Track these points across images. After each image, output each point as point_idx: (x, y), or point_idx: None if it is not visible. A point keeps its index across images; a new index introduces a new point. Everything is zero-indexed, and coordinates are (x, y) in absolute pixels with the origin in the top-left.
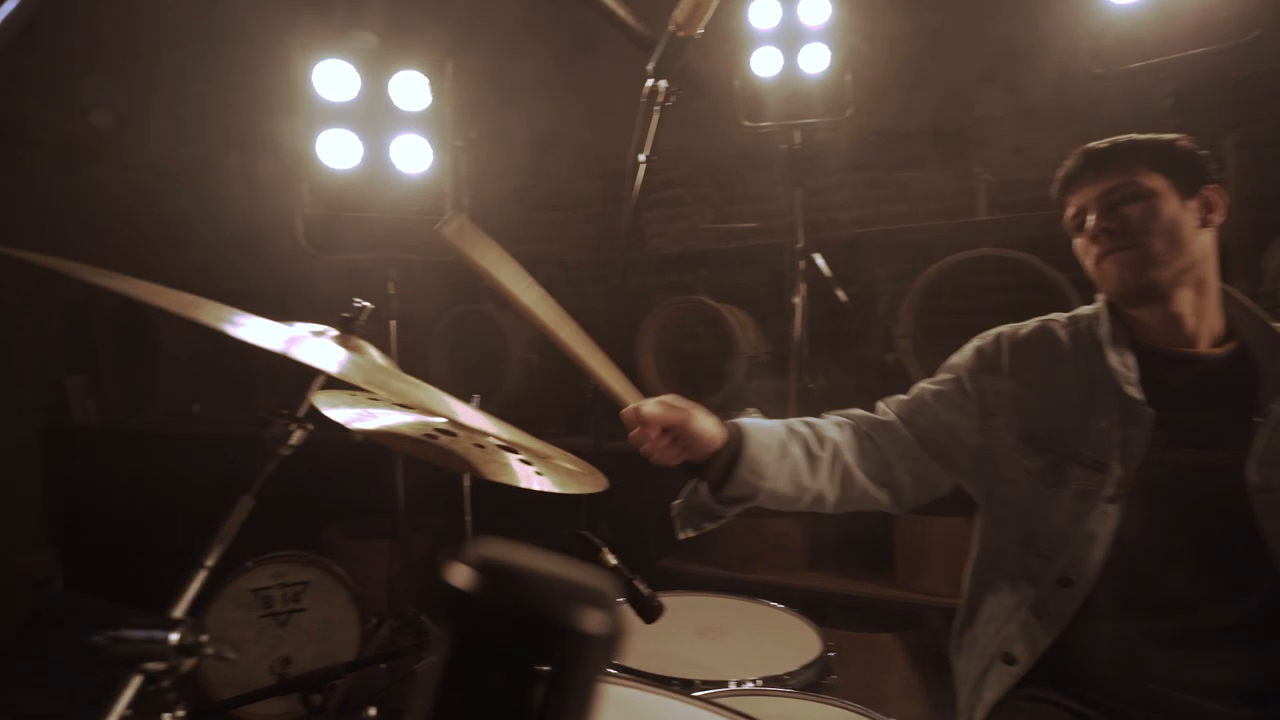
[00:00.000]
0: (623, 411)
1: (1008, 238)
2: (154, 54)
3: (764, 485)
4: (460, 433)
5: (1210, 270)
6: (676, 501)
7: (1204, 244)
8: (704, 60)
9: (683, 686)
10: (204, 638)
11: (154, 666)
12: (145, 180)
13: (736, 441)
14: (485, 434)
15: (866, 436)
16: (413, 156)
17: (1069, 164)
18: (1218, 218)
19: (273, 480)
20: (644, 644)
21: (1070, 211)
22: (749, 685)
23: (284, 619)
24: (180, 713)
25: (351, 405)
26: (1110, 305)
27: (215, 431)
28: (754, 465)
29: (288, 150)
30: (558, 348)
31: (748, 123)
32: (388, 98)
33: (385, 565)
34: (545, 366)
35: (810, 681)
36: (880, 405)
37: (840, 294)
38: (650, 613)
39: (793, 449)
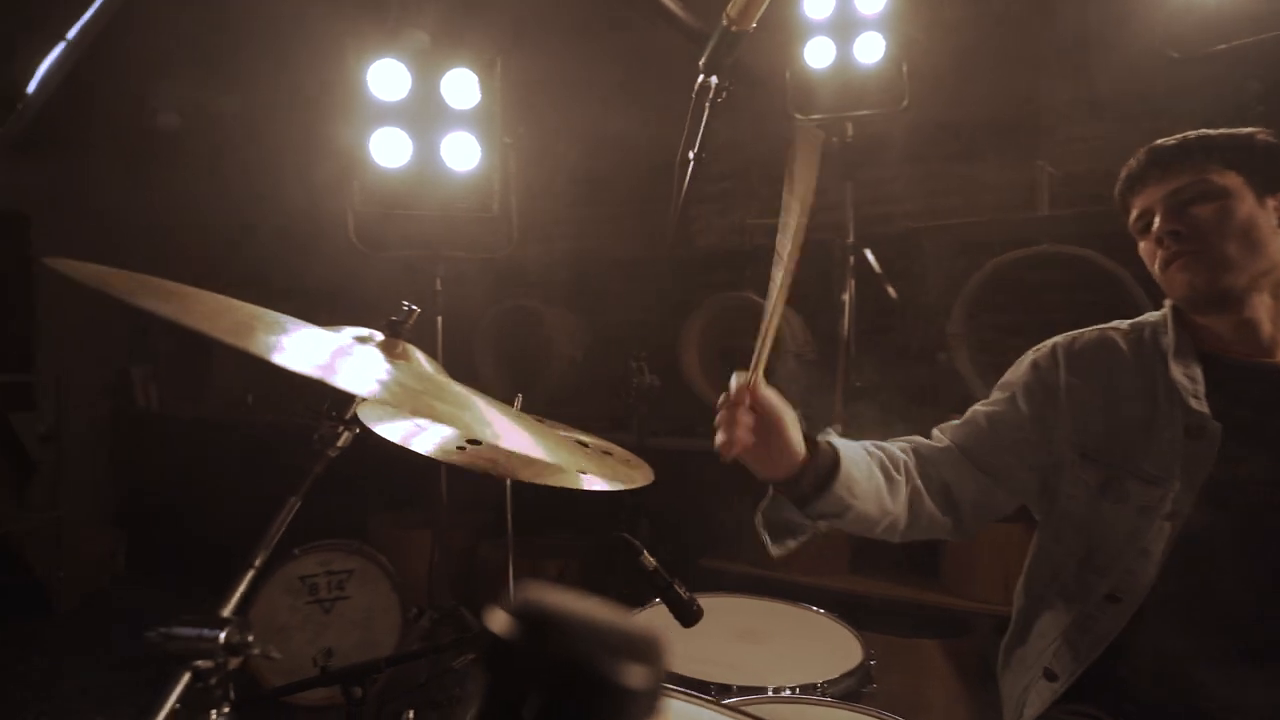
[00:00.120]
0: (738, 382)
1: (1070, 233)
2: (218, 56)
3: (855, 504)
4: (501, 457)
5: None
6: (758, 515)
7: None
8: (755, 52)
9: (720, 691)
10: (250, 637)
11: (203, 664)
12: (207, 180)
13: (831, 456)
14: (528, 457)
15: (929, 462)
16: (462, 154)
17: (1133, 163)
18: None
19: (330, 461)
20: (683, 646)
21: (1135, 214)
22: (786, 692)
23: (329, 606)
24: (226, 709)
25: (399, 416)
26: (1176, 312)
27: (267, 421)
28: (849, 482)
29: (341, 149)
30: (773, 283)
31: (799, 115)
32: (439, 96)
33: (427, 556)
34: (589, 363)
35: (851, 690)
36: (936, 432)
37: (891, 290)
38: (689, 617)
39: (875, 471)
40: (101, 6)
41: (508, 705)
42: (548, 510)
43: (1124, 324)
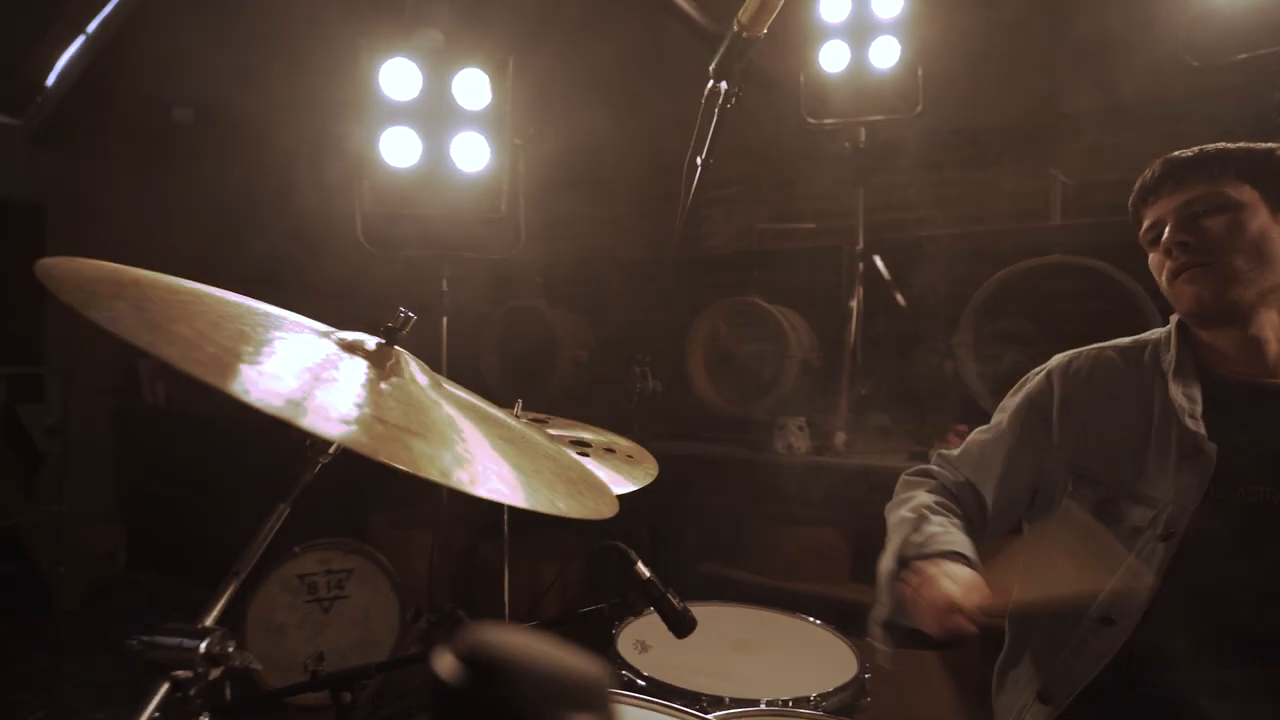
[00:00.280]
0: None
1: (1084, 243)
2: (233, 53)
3: None
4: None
5: None
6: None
7: None
8: (768, 55)
9: (712, 703)
10: (232, 648)
11: (182, 674)
12: (220, 176)
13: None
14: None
15: (957, 500)
16: (471, 154)
17: (1148, 174)
18: None
19: (323, 466)
20: (678, 656)
21: (1146, 224)
22: (765, 705)
23: (328, 605)
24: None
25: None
26: (1182, 328)
27: (275, 421)
28: None
29: (352, 149)
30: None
31: (811, 119)
32: (450, 96)
33: (427, 556)
34: (594, 364)
35: (845, 704)
36: (936, 465)
37: (899, 298)
38: (683, 627)
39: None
40: (120, 1)
41: None
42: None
43: (1125, 341)
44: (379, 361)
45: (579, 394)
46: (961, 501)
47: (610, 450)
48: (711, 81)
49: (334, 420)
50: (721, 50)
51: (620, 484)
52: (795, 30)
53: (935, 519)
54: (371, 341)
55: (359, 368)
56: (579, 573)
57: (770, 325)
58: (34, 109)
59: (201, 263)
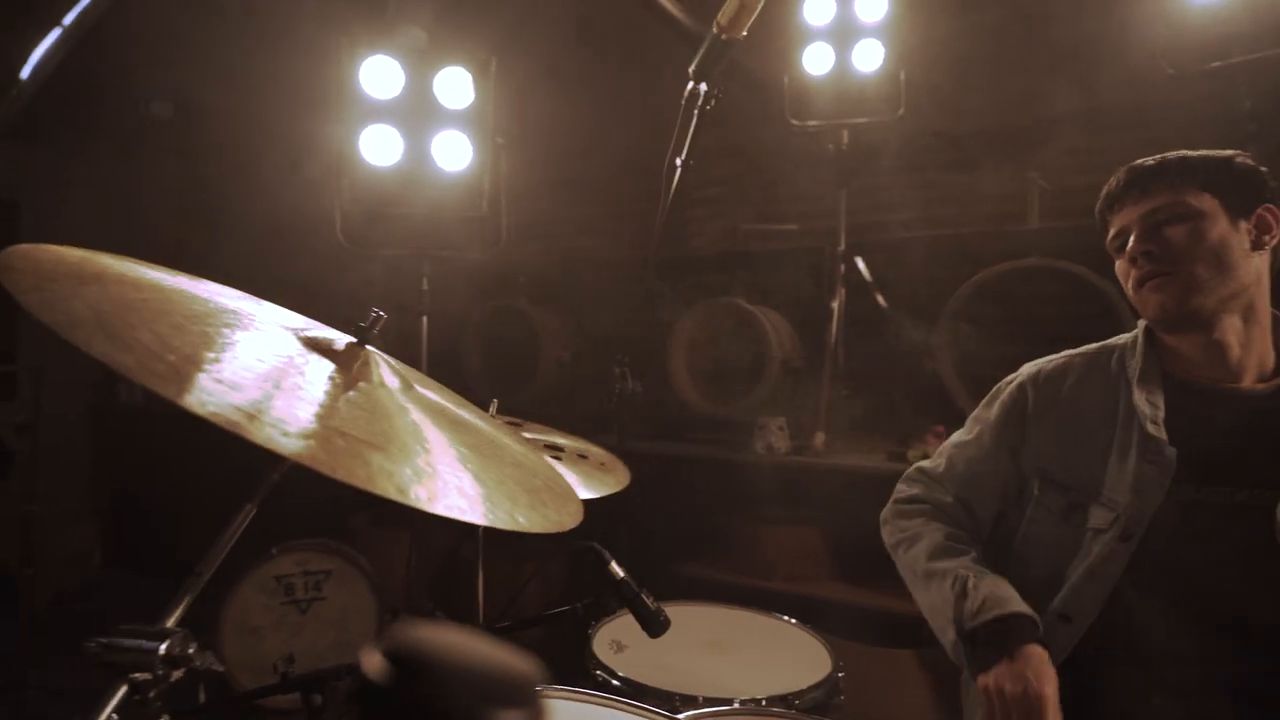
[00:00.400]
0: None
1: (1063, 245)
2: (212, 47)
3: None
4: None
5: (1262, 297)
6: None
7: (1255, 268)
8: (753, 57)
9: (685, 702)
10: (193, 649)
11: (140, 676)
12: (198, 171)
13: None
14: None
15: (955, 522)
16: (453, 153)
17: (1113, 182)
18: (1273, 239)
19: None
20: (653, 656)
21: (1112, 232)
22: (739, 704)
23: (305, 606)
24: None
25: None
26: (1148, 333)
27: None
28: None
29: (331, 146)
30: None
31: (795, 121)
32: (432, 95)
33: (406, 556)
34: (577, 364)
35: (818, 702)
36: (921, 486)
37: (880, 299)
38: (656, 627)
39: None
40: None
41: None
42: None
43: (1091, 348)
44: (347, 363)
45: (561, 394)
46: (963, 524)
47: (583, 457)
48: (691, 83)
49: (291, 434)
50: (701, 52)
51: (589, 490)
52: (780, 32)
53: (977, 574)
54: (341, 341)
55: (325, 372)
56: (558, 572)
57: (752, 326)
58: (8, 102)
59: (179, 259)
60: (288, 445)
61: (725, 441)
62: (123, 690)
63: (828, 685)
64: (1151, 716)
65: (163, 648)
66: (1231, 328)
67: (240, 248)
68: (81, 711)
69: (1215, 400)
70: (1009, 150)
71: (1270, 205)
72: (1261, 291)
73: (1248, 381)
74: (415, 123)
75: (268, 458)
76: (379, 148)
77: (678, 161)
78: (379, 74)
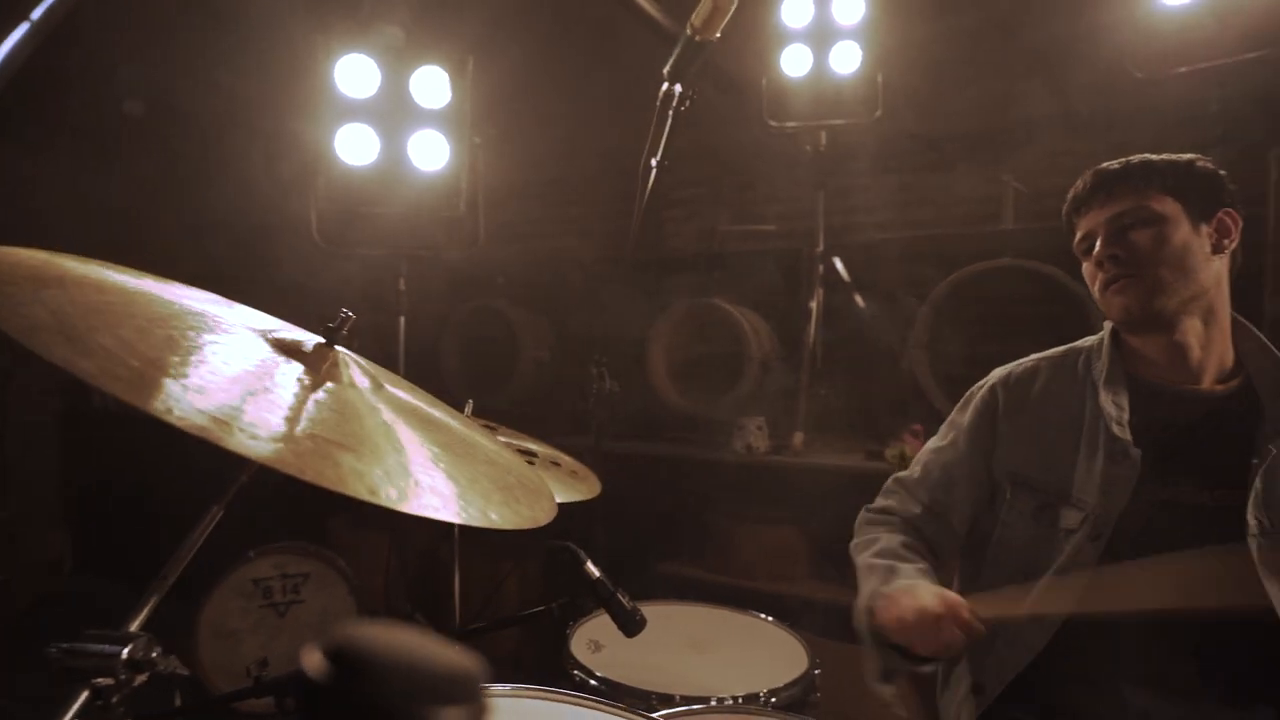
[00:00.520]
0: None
1: (1038, 247)
2: (186, 43)
3: None
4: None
5: (1222, 299)
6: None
7: (1215, 271)
8: (731, 58)
9: (661, 701)
10: (156, 653)
11: (102, 681)
12: (172, 170)
13: None
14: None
15: (920, 533)
16: (430, 153)
17: (1079, 185)
18: (1232, 243)
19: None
20: (631, 656)
21: (1079, 235)
22: (715, 702)
23: (283, 610)
24: None
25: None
26: (1114, 336)
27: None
28: None
29: (307, 145)
30: None
31: (773, 123)
32: (408, 94)
33: (384, 559)
34: (556, 364)
35: (795, 699)
36: (896, 497)
37: (859, 300)
38: (632, 626)
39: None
40: None
41: None
42: None
43: (1058, 351)
44: (316, 364)
45: (540, 395)
46: (927, 535)
47: (555, 464)
48: (666, 84)
49: (260, 438)
50: (676, 53)
51: (559, 497)
52: (758, 34)
53: (905, 567)
54: (310, 342)
55: (294, 374)
56: (537, 573)
57: (731, 326)
58: None
59: (152, 259)
60: (257, 449)
61: (704, 441)
62: (84, 696)
63: (804, 683)
64: (1121, 711)
65: (125, 652)
66: (1192, 330)
67: (215, 248)
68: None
69: (1176, 401)
70: (984, 152)
71: (1230, 209)
72: (1221, 294)
73: (1207, 382)
74: (392, 122)
75: (237, 461)
76: (355, 147)
77: (653, 163)
78: (355, 73)
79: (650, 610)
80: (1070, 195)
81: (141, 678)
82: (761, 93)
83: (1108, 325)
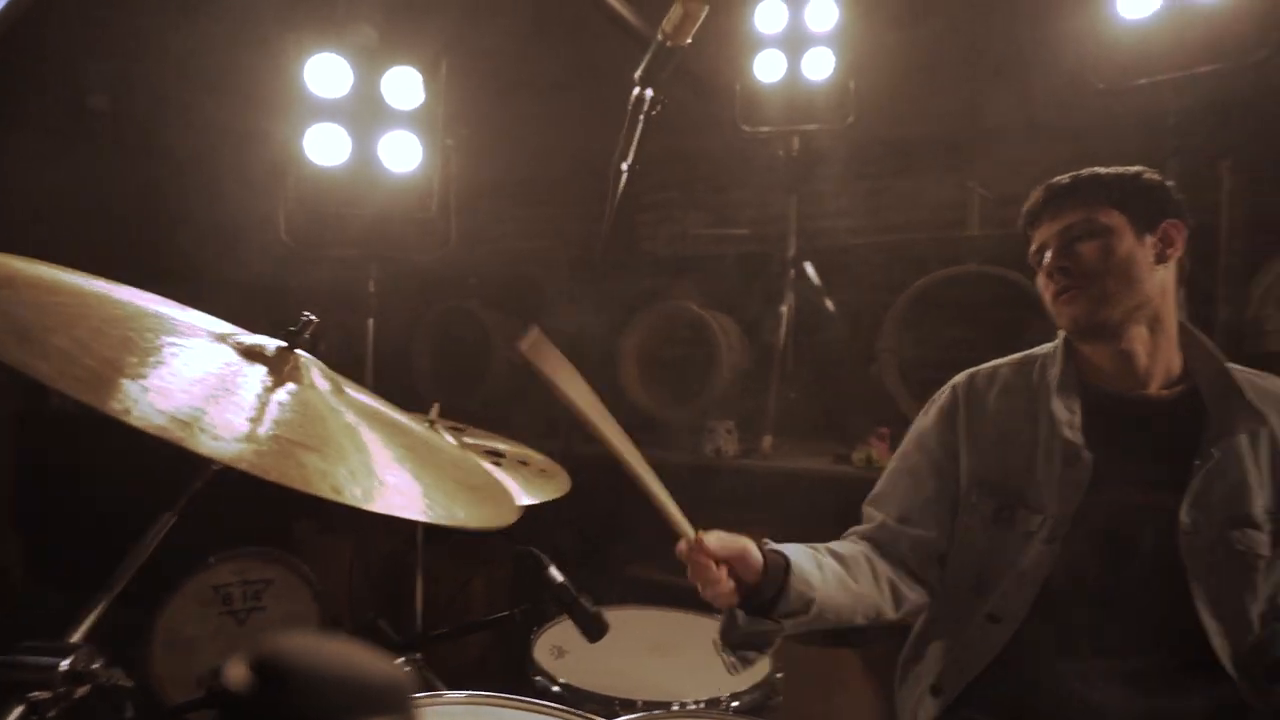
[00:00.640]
0: (680, 546)
1: (1003, 253)
2: (152, 37)
3: (815, 594)
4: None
5: (1167, 307)
6: (716, 641)
7: (1160, 280)
8: (705, 62)
9: (623, 706)
10: (98, 665)
11: (38, 695)
12: (138, 166)
13: (779, 558)
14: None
15: (884, 546)
16: (402, 154)
17: (1032, 199)
18: (1176, 253)
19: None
20: (595, 661)
21: (1033, 248)
22: (677, 707)
23: (243, 617)
24: None
25: None
26: (1067, 344)
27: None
28: (802, 574)
29: (277, 144)
30: (622, 468)
31: (746, 127)
32: (379, 94)
33: (349, 564)
34: (527, 367)
35: (756, 703)
36: (869, 510)
37: (829, 304)
38: (594, 631)
39: (826, 559)
40: None
41: None
42: None
43: (1016, 357)
44: (278, 367)
45: (513, 397)
46: (900, 549)
47: (523, 463)
48: (637, 88)
49: (224, 439)
50: (646, 58)
51: (528, 496)
52: (732, 39)
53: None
54: (272, 345)
55: (257, 375)
56: (504, 580)
57: (702, 329)
58: None
59: (117, 258)
60: (220, 450)
61: (674, 444)
62: (18, 711)
63: (766, 687)
64: (1082, 708)
65: (65, 664)
66: (1139, 337)
67: (186, 246)
68: None
69: (1125, 406)
70: (952, 159)
71: (1174, 220)
72: (1167, 302)
73: (1155, 388)
74: (363, 123)
75: (198, 464)
76: (326, 147)
77: (623, 166)
78: (326, 72)
79: (616, 614)
80: (1024, 209)
81: (83, 690)
82: (735, 98)
83: (1061, 333)
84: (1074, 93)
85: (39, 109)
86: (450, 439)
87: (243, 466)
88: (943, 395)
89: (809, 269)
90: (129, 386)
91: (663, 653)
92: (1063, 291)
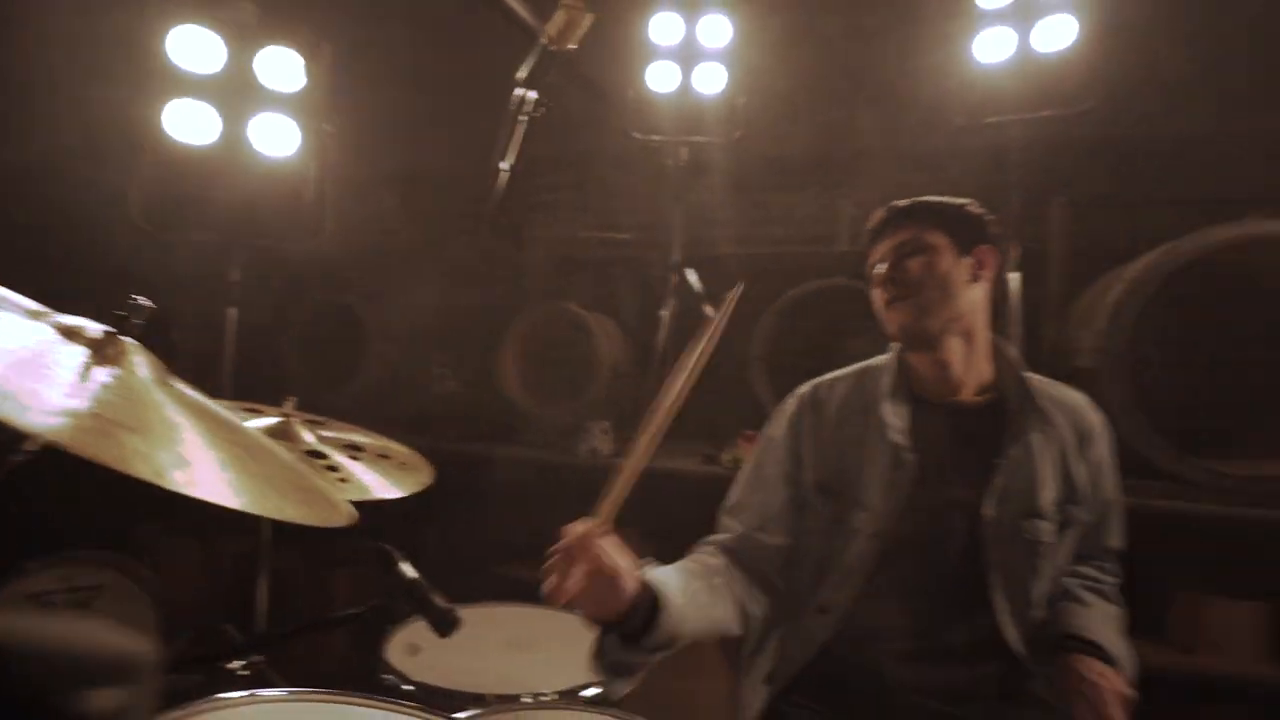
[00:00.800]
0: (581, 528)
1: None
2: None
3: (684, 631)
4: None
5: (979, 322)
6: (594, 659)
7: (974, 297)
8: (600, 68)
9: (472, 701)
10: None
11: None
12: None
13: (651, 594)
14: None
15: (741, 555)
16: (275, 138)
17: (875, 218)
18: (988, 274)
19: (82, 468)
20: (449, 658)
21: (871, 260)
22: (525, 699)
23: None
24: None
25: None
26: (899, 357)
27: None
28: (675, 613)
29: (132, 117)
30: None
31: (638, 135)
32: (253, 74)
33: (199, 567)
34: (403, 363)
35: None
36: (726, 520)
37: (708, 310)
38: (445, 626)
39: (699, 590)
40: None
41: None
42: None
43: (855, 368)
44: (102, 350)
45: (386, 393)
46: (752, 556)
47: (384, 456)
48: (521, 89)
49: (37, 412)
50: (530, 61)
51: (388, 490)
52: (627, 46)
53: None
54: (96, 329)
55: (78, 356)
56: (370, 576)
57: (584, 331)
58: None
59: None
60: (35, 422)
61: (551, 444)
62: None
63: None
64: (890, 684)
65: None
66: (954, 348)
67: (26, 223)
68: None
69: (940, 411)
70: (827, 178)
71: (989, 246)
72: (979, 318)
73: (967, 394)
74: (234, 102)
75: (7, 439)
76: (191, 125)
77: (502, 165)
78: (195, 45)
79: (475, 612)
80: (868, 227)
81: None
82: (628, 105)
83: (894, 346)
84: (935, 125)
85: None
86: (307, 434)
87: (57, 441)
88: (789, 405)
89: (691, 276)
90: None
91: (522, 648)
92: (892, 300)
